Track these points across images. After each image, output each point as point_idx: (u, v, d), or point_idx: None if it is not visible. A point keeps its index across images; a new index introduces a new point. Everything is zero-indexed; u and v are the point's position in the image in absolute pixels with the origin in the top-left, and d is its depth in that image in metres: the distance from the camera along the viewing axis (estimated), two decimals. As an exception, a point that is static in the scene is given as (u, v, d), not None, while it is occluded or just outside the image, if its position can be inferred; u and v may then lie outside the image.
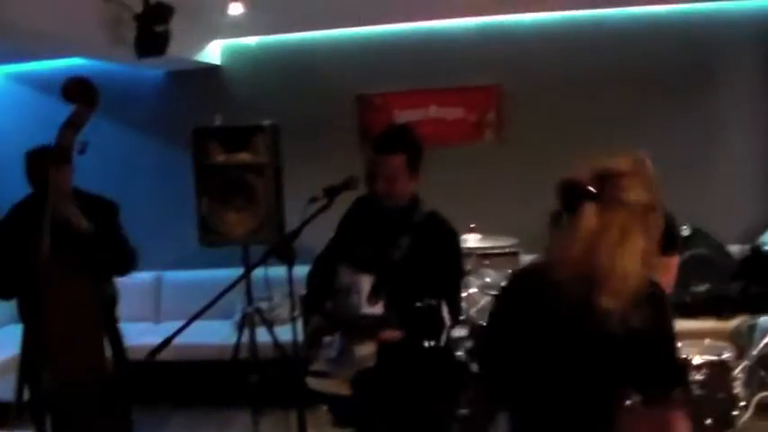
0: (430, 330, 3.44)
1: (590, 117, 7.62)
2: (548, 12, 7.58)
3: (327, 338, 4.17)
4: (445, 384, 4.27)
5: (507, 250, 6.53)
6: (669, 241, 5.47)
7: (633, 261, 2.43)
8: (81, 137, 3.97)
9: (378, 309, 3.92)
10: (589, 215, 2.51)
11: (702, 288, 6.77)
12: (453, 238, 4.23)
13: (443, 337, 3.75)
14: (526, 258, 7.10)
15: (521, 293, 2.78)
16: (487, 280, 6.16)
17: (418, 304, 3.45)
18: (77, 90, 3.97)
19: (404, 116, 7.83)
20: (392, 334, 3.81)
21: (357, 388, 4.08)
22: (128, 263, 4.41)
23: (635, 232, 2.47)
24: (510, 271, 6.42)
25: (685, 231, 7.02)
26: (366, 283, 3.97)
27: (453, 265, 4.21)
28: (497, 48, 7.68)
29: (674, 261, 5.51)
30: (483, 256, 6.37)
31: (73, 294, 3.93)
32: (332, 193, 3.91)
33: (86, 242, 3.99)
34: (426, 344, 3.44)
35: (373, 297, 3.93)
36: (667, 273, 5.43)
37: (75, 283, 3.94)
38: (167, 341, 3.25)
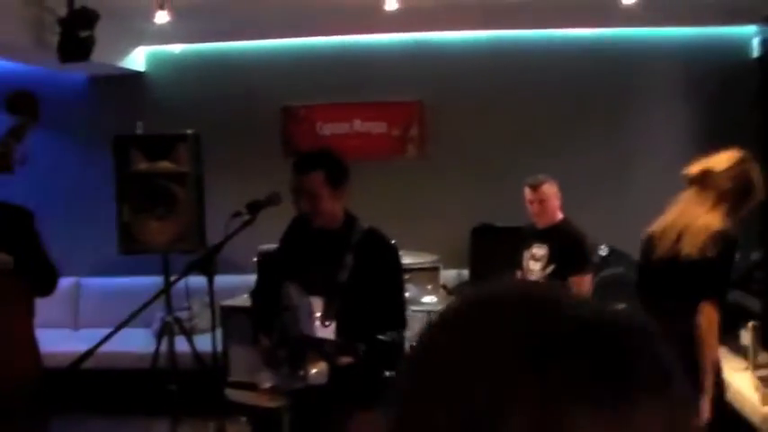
0: (391, 363, 3.75)
1: (511, 135, 7.76)
2: (472, 30, 7.70)
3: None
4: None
5: (428, 265, 6.60)
6: (579, 261, 5.63)
7: (712, 220, 3.96)
8: (22, 147, 3.99)
9: (330, 331, 3.95)
10: (688, 194, 4.20)
11: (619, 307, 6.91)
12: (394, 255, 4.31)
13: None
14: (446, 273, 7.19)
15: (645, 243, 4.40)
16: (407, 295, 6.19)
17: (381, 338, 3.73)
18: (23, 103, 4.05)
19: (328, 129, 7.88)
20: (347, 360, 3.87)
21: (298, 402, 4.15)
22: (50, 285, 4.31)
23: (719, 205, 4.00)
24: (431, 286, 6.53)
25: (602, 251, 7.15)
26: (317, 305, 3.99)
27: (397, 282, 4.30)
28: (421, 64, 7.77)
29: (586, 279, 5.67)
30: (403, 271, 6.41)
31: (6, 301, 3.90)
32: (255, 208, 3.94)
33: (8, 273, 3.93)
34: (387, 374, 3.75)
35: (325, 319, 3.97)
36: (579, 291, 5.57)
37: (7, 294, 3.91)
38: (91, 351, 3.24)
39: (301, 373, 4.05)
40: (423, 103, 7.84)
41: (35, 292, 4.14)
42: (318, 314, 4.00)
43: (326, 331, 3.98)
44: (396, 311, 4.17)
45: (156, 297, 3.55)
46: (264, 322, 4.31)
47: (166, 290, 5.19)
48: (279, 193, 4.13)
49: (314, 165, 4.08)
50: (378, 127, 7.89)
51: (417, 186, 7.85)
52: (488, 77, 7.73)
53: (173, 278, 5.93)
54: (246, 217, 3.90)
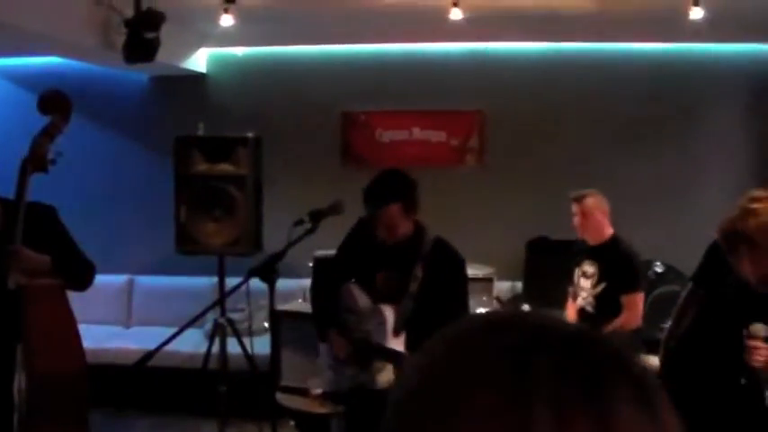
0: None
1: (570, 148, 7.68)
2: (535, 42, 7.65)
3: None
4: None
5: (482, 276, 6.56)
6: (630, 279, 5.52)
7: None
8: (55, 147, 4.05)
9: (400, 343, 4.03)
10: None
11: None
12: (461, 268, 4.32)
13: None
14: (500, 285, 7.15)
15: None
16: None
17: None
18: (53, 103, 4.11)
19: (387, 136, 7.87)
20: None
21: (355, 407, 4.19)
22: (87, 279, 4.33)
23: None
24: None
25: (658, 268, 7.07)
26: (389, 314, 4.07)
27: (462, 294, 4.30)
28: (482, 74, 7.72)
29: (638, 298, 5.57)
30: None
31: (43, 295, 3.94)
32: (317, 217, 3.98)
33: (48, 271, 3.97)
34: None
35: (396, 329, 4.02)
36: (631, 310, 5.49)
37: (43, 284, 3.94)
38: (154, 352, 3.28)
39: (366, 376, 4.10)
40: (483, 113, 7.80)
41: (72, 287, 4.17)
42: (391, 323, 4.03)
43: (397, 342, 4.03)
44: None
45: (216, 303, 3.58)
46: (331, 320, 4.35)
47: (225, 295, 5.21)
48: (341, 203, 4.17)
49: (389, 197, 4.10)
50: (437, 135, 7.86)
51: (474, 197, 7.80)
52: (550, 89, 7.67)
53: (229, 281, 5.97)
54: (308, 225, 3.92)
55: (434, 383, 0.76)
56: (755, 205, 3.56)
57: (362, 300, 4.22)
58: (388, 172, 4.41)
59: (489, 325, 0.81)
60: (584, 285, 5.74)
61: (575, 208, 5.75)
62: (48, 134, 4.03)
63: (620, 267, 5.56)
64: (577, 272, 5.83)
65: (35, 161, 3.96)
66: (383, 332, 4.09)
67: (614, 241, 5.70)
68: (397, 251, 4.18)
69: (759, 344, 3.37)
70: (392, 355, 4.06)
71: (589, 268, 5.72)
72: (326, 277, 4.55)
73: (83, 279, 4.20)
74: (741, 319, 3.47)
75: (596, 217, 5.69)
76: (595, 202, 5.70)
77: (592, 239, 5.74)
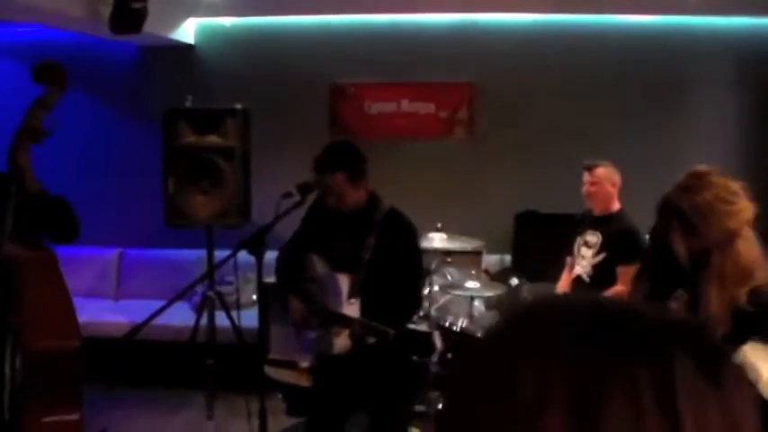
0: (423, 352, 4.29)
1: (560, 122, 7.66)
2: (526, 13, 7.60)
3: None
4: (404, 386, 4.60)
5: (471, 249, 6.55)
6: (630, 252, 5.57)
7: None
8: (49, 118, 4.00)
9: (355, 309, 4.20)
10: None
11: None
12: (412, 236, 4.52)
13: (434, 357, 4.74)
14: (489, 258, 7.15)
15: None
16: (449, 278, 6.17)
17: (413, 327, 4.32)
18: (48, 73, 4.04)
19: (376, 108, 7.83)
20: (372, 341, 4.13)
21: (321, 375, 4.38)
22: (75, 226, 4.29)
23: None
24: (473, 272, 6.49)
25: (646, 242, 7.09)
26: (344, 282, 4.27)
27: (413, 262, 4.48)
28: (473, 46, 7.67)
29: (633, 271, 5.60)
30: (446, 253, 6.39)
31: (40, 270, 3.90)
32: (305, 189, 4.05)
33: (38, 203, 3.94)
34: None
35: (350, 296, 4.24)
36: (627, 281, 5.53)
37: (39, 259, 3.92)
38: (144, 323, 3.35)
39: (324, 343, 4.27)
40: (472, 85, 7.76)
41: (63, 236, 4.14)
42: (345, 291, 4.21)
43: (352, 308, 4.20)
44: (411, 292, 4.44)
45: (205, 276, 3.58)
46: (293, 289, 4.56)
47: (215, 267, 5.26)
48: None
49: (333, 166, 4.28)
50: (425, 107, 7.80)
51: (463, 169, 7.78)
52: (541, 62, 7.63)
53: (217, 253, 5.96)
54: (297, 198, 3.98)
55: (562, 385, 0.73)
56: (692, 182, 3.62)
57: (321, 268, 4.42)
58: (338, 143, 4.65)
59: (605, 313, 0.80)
60: (585, 254, 5.78)
61: (585, 176, 5.81)
62: (43, 105, 3.98)
63: (622, 240, 5.63)
64: (579, 241, 5.88)
65: (28, 132, 3.91)
66: (338, 299, 4.27)
67: (620, 214, 5.79)
68: (352, 221, 4.39)
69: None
70: (345, 321, 4.21)
71: (591, 238, 5.77)
72: (290, 248, 4.75)
73: (75, 223, 4.16)
74: (673, 285, 3.61)
75: (605, 187, 5.77)
76: (606, 173, 5.79)
77: (598, 209, 5.79)
